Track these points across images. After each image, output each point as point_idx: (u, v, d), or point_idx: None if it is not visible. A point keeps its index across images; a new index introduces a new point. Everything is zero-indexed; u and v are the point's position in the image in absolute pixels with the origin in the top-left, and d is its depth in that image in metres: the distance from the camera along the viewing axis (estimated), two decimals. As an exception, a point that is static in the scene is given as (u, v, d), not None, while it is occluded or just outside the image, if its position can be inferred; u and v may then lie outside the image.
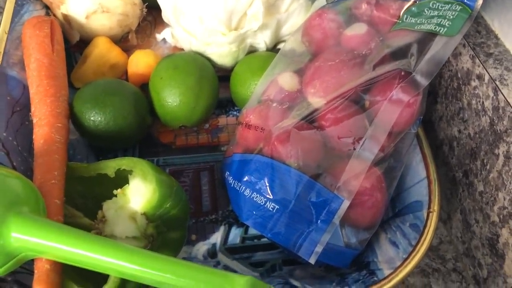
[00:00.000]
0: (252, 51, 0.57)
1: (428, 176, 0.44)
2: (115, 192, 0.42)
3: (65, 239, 0.34)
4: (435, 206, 0.42)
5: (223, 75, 0.57)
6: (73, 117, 0.49)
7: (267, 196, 0.39)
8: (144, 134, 0.53)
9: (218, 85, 0.55)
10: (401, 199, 0.46)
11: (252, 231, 0.48)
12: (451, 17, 0.39)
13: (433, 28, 0.39)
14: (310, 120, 0.41)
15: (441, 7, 0.40)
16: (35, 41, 0.51)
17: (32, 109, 0.48)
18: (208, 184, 0.52)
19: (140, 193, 0.41)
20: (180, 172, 0.53)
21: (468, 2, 0.39)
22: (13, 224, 0.34)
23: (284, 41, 0.57)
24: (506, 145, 0.40)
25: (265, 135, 0.42)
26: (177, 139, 0.55)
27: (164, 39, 0.63)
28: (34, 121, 0.47)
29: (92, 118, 0.48)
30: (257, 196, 0.40)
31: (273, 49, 0.58)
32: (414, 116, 0.42)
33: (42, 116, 0.46)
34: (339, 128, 0.41)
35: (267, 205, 0.39)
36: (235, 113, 0.58)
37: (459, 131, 0.47)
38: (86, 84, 0.51)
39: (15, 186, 0.37)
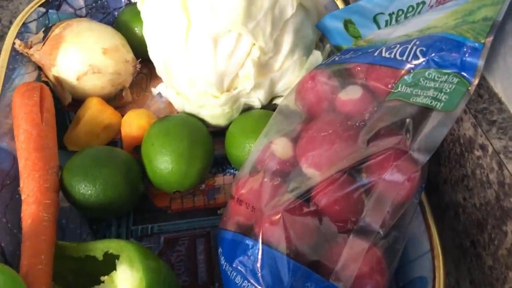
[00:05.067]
0: (247, 108, 0.55)
1: (432, 250, 0.42)
2: (102, 278, 0.40)
3: None
4: (441, 285, 0.40)
5: (220, 129, 0.56)
6: (63, 189, 0.48)
7: (258, 287, 0.37)
8: (137, 202, 0.52)
9: (213, 147, 0.53)
10: (404, 272, 0.43)
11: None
12: (448, 90, 0.36)
13: (429, 103, 0.37)
14: (305, 199, 0.39)
15: (438, 78, 0.37)
16: (23, 111, 0.50)
17: (21, 184, 0.47)
18: (204, 252, 0.50)
19: (127, 281, 0.39)
20: (175, 240, 0.51)
21: (466, 76, 0.36)
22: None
23: (280, 96, 0.55)
24: (514, 222, 0.38)
25: (256, 214, 0.40)
26: (173, 202, 0.54)
27: (159, 93, 0.62)
28: (23, 197, 0.46)
29: (81, 191, 0.47)
30: (248, 286, 0.38)
31: (269, 104, 0.56)
32: (414, 190, 0.39)
33: (30, 193, 0.46)
34: (335, 208, 0.39)
35: (259, 295, 0.37)
36: (232, 171, 0.56)
37: (464, 199, 0.44)
38: (75, 154, 0.50)
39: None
